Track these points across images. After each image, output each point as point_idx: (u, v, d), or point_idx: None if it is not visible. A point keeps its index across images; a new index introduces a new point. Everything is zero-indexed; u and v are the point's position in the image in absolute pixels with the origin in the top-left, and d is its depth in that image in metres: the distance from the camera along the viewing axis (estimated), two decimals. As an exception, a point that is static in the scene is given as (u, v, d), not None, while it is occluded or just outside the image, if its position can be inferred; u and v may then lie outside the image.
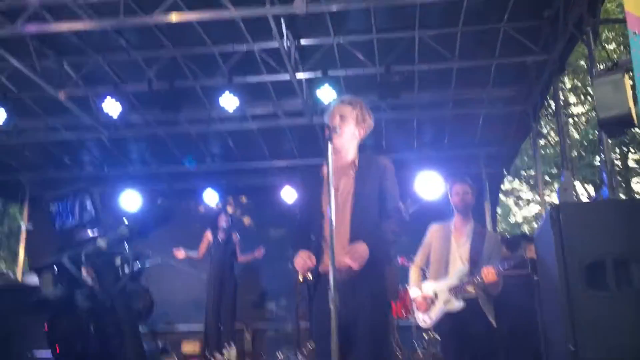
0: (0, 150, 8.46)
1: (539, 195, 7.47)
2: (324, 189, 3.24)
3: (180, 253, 7.62)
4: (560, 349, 2.83)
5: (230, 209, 9.50)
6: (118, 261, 1.16)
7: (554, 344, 3.13)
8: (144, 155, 8.91)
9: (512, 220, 21.82)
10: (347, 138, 3.27)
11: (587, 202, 6.27)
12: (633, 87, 3.18)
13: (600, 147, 4.18)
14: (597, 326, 2.54)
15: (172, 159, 8.79)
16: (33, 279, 6.03)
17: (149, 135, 8.10)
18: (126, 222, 1.27)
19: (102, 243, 1.15)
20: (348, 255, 3.00)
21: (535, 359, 4.37)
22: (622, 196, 13.99)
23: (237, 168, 9.10)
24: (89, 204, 1.24)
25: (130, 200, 8.82)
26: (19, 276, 8.40)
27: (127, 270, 1.16)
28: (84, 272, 1.08)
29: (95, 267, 1.00)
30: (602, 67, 4.42)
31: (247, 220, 10.37)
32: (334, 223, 2.88)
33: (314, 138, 7.88)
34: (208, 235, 7.59)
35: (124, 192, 8.86)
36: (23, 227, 8.38)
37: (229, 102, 6.44)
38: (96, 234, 1.22)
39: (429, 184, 7.74)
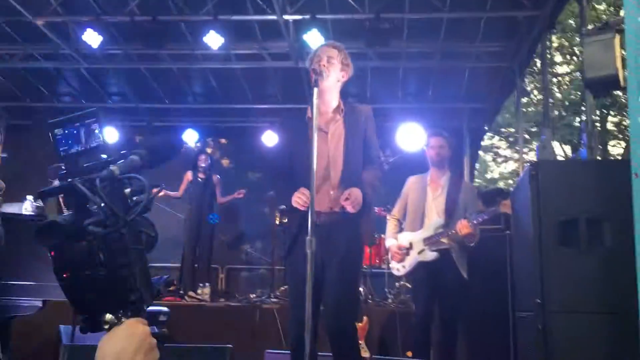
0: (-24, 77, 8.23)
1: (519, 153, 7.54)
2: (310, 132, 3.24)
3: (161, 192, 7.57)
4: (528, 302, 2.92)
5: (209, 150, 9.44)
6: (128, 190, 1.14)
7: (523, 297, 3.23)
8: (123, 90, 8.74)
9: (488, 176, 22.07)
10: (333, 82, 3.24)
11: (566, 161, 6.36)
12: (622, 48, 3.18)
13: (583, 107, 4.21)
14: (565, 281, 2.62)
15: (152, 95, 8.63)
16: (11, 208, 5.98)
17: (129, 70, 7.94)
18: (139, 152, 1.23)
19: (115, 170, 1.12)
20: (345, 197, 3.02)
21: (503, 311, 4.51)
22: (599, 158, 14.19)
23: (218, 108, 8.99)
24: (97, 130, 1.20)
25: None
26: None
27: (135, 200, 1.15)
28: (96, 197, 1.07)
29: (107, 194, 0.99)
30: (591, 27, 4.40)
31: (225, 162, 10.34)
32: (314, 166, 2.89)
33: (299, 82, 7.78)
34: (188, 175, 7.55)
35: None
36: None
37: (213, 40, 6.30)
38: (107, 160, 1.19)
39: (410, 136, 7.75)
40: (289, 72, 7.69)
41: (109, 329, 1.04)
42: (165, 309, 4.20)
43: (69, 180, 1.10)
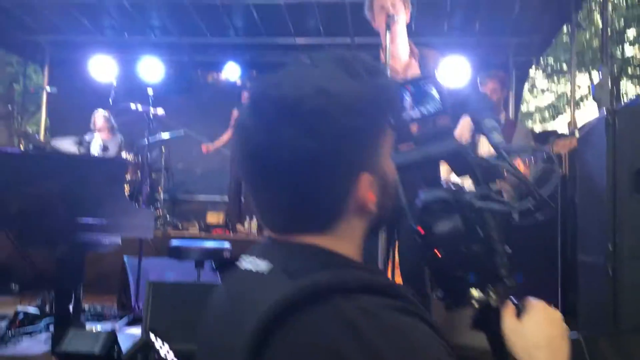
0: (20, 10, 8.23)
1: (571, 85, 7.38)
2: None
3: (211, 146, 7.75)
4: (595, 247, 2.97)
5: (239, 82, 9.43)
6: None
7: (589, 241, 3.27)
8: (165, 23, 8.68)
9: (524, 109, 21.67)
10: (403, 24, 3.20)
11: None
12: None
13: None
14: (638, 229, 2.66)
15: (194, 29, 8.56)
16: (62, 143, 6.15)
17: (172, 2, 7.85)
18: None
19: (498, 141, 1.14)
20: None
21: (551, 253, 4.55)
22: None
23: (259, 43, 8.90)
24: (434, 92, 1.18)
25: (151, 69, 8.71)
26: (43, 139, 8.52)
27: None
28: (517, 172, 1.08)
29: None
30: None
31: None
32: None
33: (342, 16, 7.63)
34: (234, 113, 7.61)
35: (143, 59, 8.74)
36: (46, 90, 8.33)
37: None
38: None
39: (455, 70, 7.61)
40: (331, 6, 7.53)
41: (478, 305, 1.03)
42: (227, 245, 4.38)
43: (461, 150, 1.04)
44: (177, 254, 3.95)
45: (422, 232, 1.02)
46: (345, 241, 0.88)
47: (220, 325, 0.88)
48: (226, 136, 7.78)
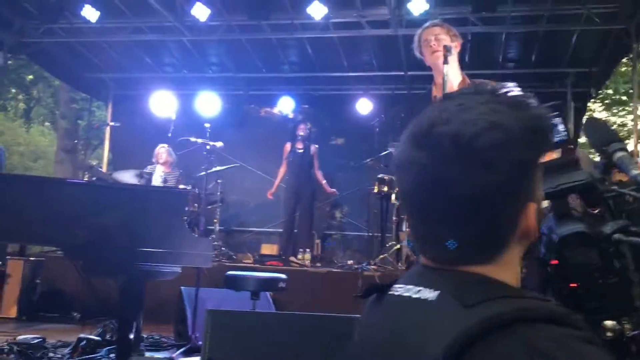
0: (88, 49, 8.69)
1: (634, 116, 7.18)
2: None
3: (273, 189, 7.89)
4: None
5: (291, 115, 9.58)
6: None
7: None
8: (222, 60, 8.97)
9: (583, 140, 21.12)
10: (454, 59, 3.22)
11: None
12: None
13: None
14: None
15: (250, 65, 8.82)
16: (123, 176, 6.37)
17: (229, 40, 8.12)
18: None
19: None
20: None
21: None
22: None
23: (313, 77, 9.08)
24: (560, 125, 1.19)
25: (209, 104, 8.98)
26: (105, 172, 8.85)
27: None
28: None
29: None
30: None
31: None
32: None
33: (395, 50, 7.71)
34: (287, 147, 7.73)
35: (201, 94, 9.02)
36: (109, 125, 8.71)
37: (316, 10, 6.34)
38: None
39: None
40: (385, 40, 7.63)
41: (613, 337, 1.03)
42: (283, 275, 4.41)
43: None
44: (233, 284, 3.99)
45: (556, 262, 1.02)
46: (506, 269, 0.89)
47: (382, 353, 0.89)
48: (281, 172, 7.88)
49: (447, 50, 3.02)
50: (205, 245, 3.62)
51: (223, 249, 7.52)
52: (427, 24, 3.35)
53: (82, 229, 3.46)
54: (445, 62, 2.99)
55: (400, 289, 0.92)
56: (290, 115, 9.36)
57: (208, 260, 3.65)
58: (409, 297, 0.88)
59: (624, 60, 8.51)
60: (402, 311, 0.89)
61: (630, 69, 15.49)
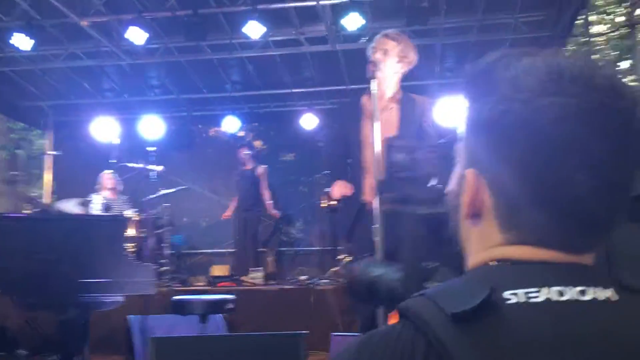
0: (23, 77, 8.47)
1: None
2: (364, 120, 3.34)
3: (229, 211, 7.89)
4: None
5: (242, 133, 9.61)
6: None
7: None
8: (164, 82, 8.90)
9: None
10: (389, 73, 3.31)
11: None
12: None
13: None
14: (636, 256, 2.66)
15: (191, 86, 8.79)
16: (66, 205, 6.22)
17: (169, 63, 8.07)
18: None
19: None
20: None
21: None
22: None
23: (256, 95, 9.11)
24: None
25: (152, 127, 8.89)
26: (47, 202, 8.62)
27: None
28: None
29: None
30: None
31: (258, 143, 10.50)
32: (380, 158, 2.98)
33: (336, 65, 7.82)
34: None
35: (144, 118, 8.92)
36: (50, 154, 8.50)
37: (253, 29, 6.38)
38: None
39: (451, 110, 7.70)
40: (325, 55, 7.73)
41: None
42: (231, 296, 4.38)
43: None
44: (180, 309, 3.94)
45: None
46: None
47: None
48: (233, 203, 7.89)
49: (374, 65, 3.10)
50: (146, 271, 3.58)
51: (174, 272, 7.41)
52: (390, 33, 3.42)
53: (19, 262, 3.37)
54: (373, 76, 3.06)
55: (558, 294, 0.69)
56: (241, 134, 9.37)
57: (150, 287, 3.60)
58: (583, 300, 0.69)
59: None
60: (581, 319, 0.69)
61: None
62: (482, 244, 0.76)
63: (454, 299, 0.68)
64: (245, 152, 7.73)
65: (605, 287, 0.70)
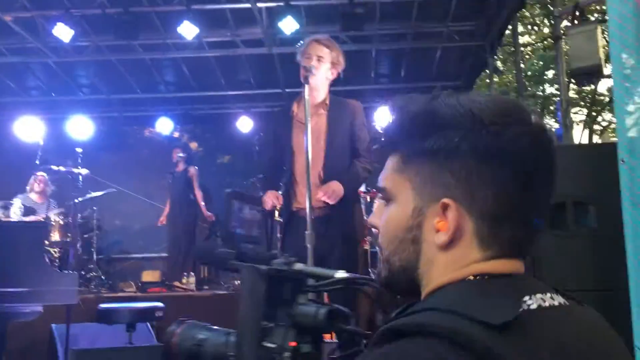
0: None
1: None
2: (294, 126, 3.32)
3: (163, 216, 7.67)
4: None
5: (176, 134, 9.43)
6: None
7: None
8: (94, 82, 8.61)
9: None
10: (321, 80, 3.31)
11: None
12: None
13: (545, 77, 4.34)
14: (557, 262, 2.77)
15: (124, 86, 8.53)
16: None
17: (100, 61, 7.81)
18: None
19: None
20: (323, 191, 3.12)
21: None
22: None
23: (191, 96, 8.94)
24: None
25: (81, 128, 8.58)
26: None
27: None
28: None
29: None
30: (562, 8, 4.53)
31: (194, 145, 10.34)
32: (310, 163, 2.97)
33: (272, 68, 7.79)
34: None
35: (73, 118, 8.60)
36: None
37: (187, 30, 6.26)
38: None
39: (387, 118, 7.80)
40: (262, 59, 7.68)
41: None
42: (160, 304, 4.25)
43: None
44: (106, 318, 3.80)
45: None
46: None
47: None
48: (167, 208, 7.69)
49: (307, 70, 3.09)
50: (69, 280, 3.42)
51: (102, 278, 7.16)
52: (322, 38, 3.40)
53: None
54: (306, 82, 3.05)
55: (538, 301, 0.78)
56: (176, 135, 9.17)
57: (73, 296, 3.44)
58: (556, 305, 0.79)
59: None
60: (575, 319, 0.81)
61: (495, 81, 16.71)
62: (454, 265, 0.80)
63: (482, 311, 0.70)
64: (179, 154, 7.57)
65: (553, 293, 0.79)
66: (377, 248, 1.02)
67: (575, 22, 3.72)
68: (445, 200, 0.79)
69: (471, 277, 0.79)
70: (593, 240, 2.72)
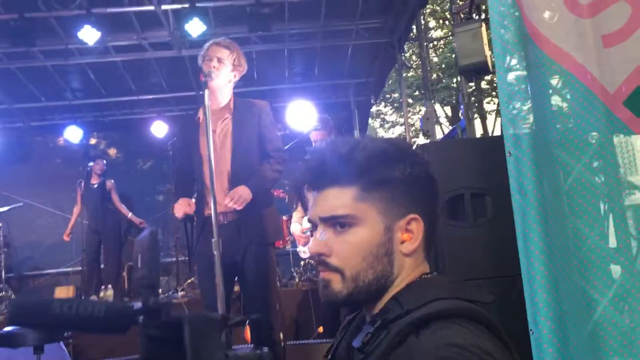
0: None
1: (404, 119, 7.96)
2: (201, 133, 3.27)
3: (68, 230, 7.34)
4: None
5: (93, 141, 9.12)
6: None
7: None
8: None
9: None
10: (223, 82, 3.28)
11: (449, 140, 6.72)
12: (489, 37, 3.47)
13: (460, 86, 4.50)
14: (458, 251, 2.87)
15: (27, 95, 8.10)
16: None
17: (-2, 70, 7.39)
18: None
19: None
20: (230, 197, 3.10)
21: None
22: (476, 115, 15.12)
23: (100, 103, 8.62)
24: None
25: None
26: None
27: None
28: None
29: None
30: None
31: (112, 152, 10.04)
32: (213, 167, 2.94)
33: (183, 71, 7.64)
34: (82, 185, 7.28)
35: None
36: None
37: (88, 35, 6.02)
38: None
39: (301, 115, 7.83)
40: (172, 61, 7.52)
41: None
42: (71, 322, 4.08)
43: None
44: (11, 342, 3.59)
45: None
46: None
47: None
48: (76, 211, 7.36)
49: (205, 75, 3.05)
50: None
51: (13, 298, 6.80)
52: (221, 41, 3.35)
53: None
54: (205, 86, 3.01)
55: None
56: (93, 142, 8.84)
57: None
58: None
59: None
60: None
61: (409, 75, 17.15)
62: (412, 267, 1.06)
63: (473, 295, 1.00)
64: (100, 167, 7.28)
65: None
66: (312, 262, 1.21)
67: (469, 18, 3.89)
68: (413, 215, 1.04)
69: (424, 276, 1.06)
70: (491, 229, 2.83)
